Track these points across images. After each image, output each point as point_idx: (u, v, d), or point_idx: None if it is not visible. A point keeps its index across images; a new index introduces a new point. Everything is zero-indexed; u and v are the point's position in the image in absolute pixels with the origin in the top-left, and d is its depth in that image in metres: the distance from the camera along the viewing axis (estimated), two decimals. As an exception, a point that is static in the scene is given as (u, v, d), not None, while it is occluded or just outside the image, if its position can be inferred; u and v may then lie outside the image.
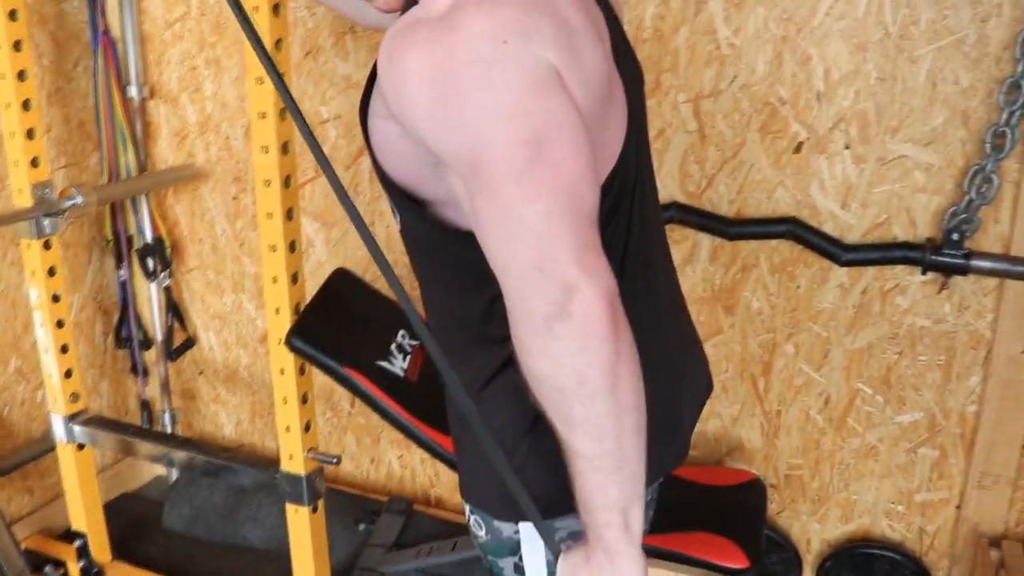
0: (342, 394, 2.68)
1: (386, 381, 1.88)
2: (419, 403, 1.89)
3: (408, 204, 1.16)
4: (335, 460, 1.98)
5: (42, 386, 2.54)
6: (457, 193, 1.03)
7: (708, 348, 2.16)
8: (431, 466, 2.65)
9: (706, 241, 2.17)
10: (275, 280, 1.87)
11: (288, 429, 1.95)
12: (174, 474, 2.74)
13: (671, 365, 1.30)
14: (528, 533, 1.26)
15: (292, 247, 1.86)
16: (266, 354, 2.75)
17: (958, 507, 2.12)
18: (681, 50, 2.07)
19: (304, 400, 1.95)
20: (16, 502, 2.51)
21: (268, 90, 1.76)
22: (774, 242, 2.11)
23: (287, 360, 1.90)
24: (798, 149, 2.04)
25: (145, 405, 2.80)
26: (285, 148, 1.81)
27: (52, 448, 2.41)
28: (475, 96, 0.94)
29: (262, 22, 1.74)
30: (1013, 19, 1.80)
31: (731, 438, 2.30)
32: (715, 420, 2.29)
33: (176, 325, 2.76)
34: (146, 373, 2.79)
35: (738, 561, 1.86)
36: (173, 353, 2.74)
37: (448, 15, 0.97)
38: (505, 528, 1.28)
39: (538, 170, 0.93)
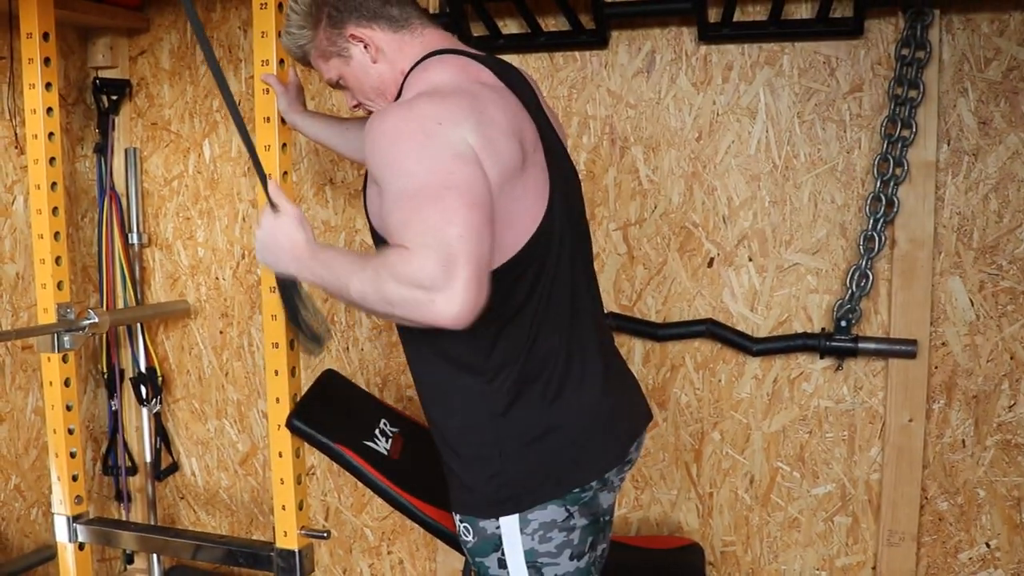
0: (316, 508, 2.90)
1: (371, 456, 2.15)
2: (400, 475, 2.16)
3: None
4: (325, 535, 2.22)
5: (37, 504, 2.74)
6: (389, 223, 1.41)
7: (647, 440, 2.51)
8: (400, 573, 2.86)
9: (639, 346, 2.55)
10: (276, 373, 2.17)
11: (284, 508, 2.20)
12: (156, 591, 2.89)
13: (602, 384, 1.65)
14: (507, 527, 1.58)
15: (291, 345, 2.18)
16: (245, 475, 2.98)
17: (873, 568, 2.42)
18: (610, 187, 2.52)
19: (298, 481, 2.21)
20: (5, 618, 2.63)
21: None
22: (697, 343, 2.50)
23: (285, 444, 2.18)
24: (711, 264, 2.47)
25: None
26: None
27: (44, 560, 2.59)
28: (417, 155, 1.38)
29: (272, 158, 2.13)
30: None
31: (671, 522, 2.59)
32: (656, 506, 2.59)
33: (162, 449, 2.99)
34: (129, 499, 2.98)
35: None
36: (160, 474, 2.95)
37: (410, 100, 1.47)
38: (488, 525, 1.60)
39: (457, 207, 1.32)
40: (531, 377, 1.57)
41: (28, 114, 2.37)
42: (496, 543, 1.59)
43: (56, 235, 2.37)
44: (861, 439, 2.40)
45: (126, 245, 2.90)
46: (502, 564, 1.60)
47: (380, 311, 1.37)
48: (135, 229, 2.92)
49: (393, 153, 1.39)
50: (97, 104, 2.88)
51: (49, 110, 2.36)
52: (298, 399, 2.21)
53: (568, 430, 1.59)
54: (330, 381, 2.32)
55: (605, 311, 2.54)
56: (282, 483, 2.20)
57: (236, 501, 3.01)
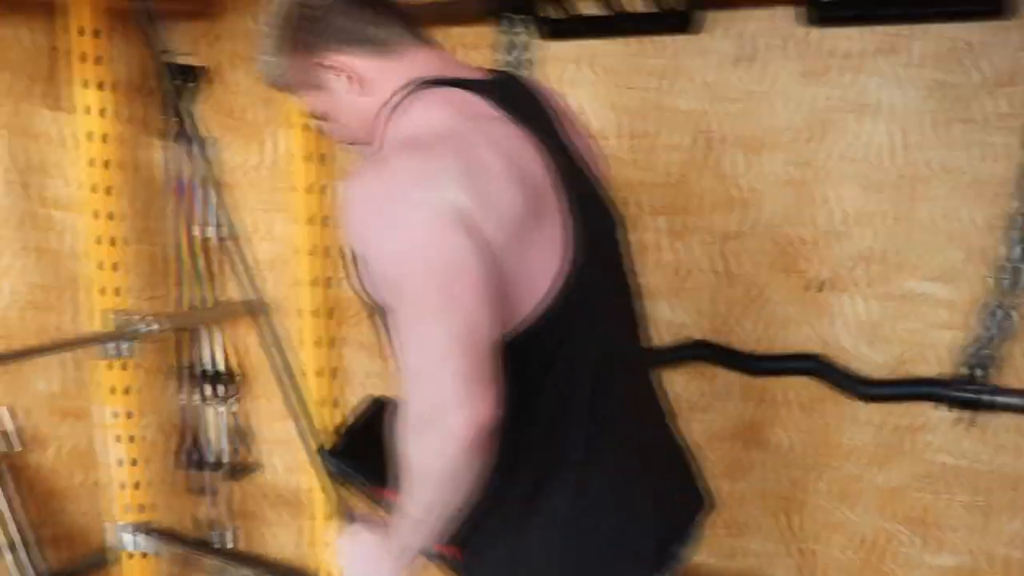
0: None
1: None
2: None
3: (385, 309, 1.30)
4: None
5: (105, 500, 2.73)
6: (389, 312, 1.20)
7: (737, 485, 2.18)
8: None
9: (734, 378, 2.21)
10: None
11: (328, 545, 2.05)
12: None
13: (638, 473, 1.35)
14: None
15: (335, 374, 2.00)
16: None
17: (1006, 661, 2.03)
18: (703, 194, 2.17)
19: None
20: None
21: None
22: (800, 378, 2.14)
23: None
24: (820, 288, 2.09)
25: (207, 524, 2.93)
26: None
27: (110, 561, 2.57)
28: (398, 232, 1.13)
29: (313, 169, 1.93)
30: (1020, 158, 1.85)
31: (766, 577, 2.26)
32: (749, 558, 2.27)
33: (241, 448, 2.92)
34: (211, 492, 2.94)
35: None
36: (237, 474, 2.89)
37: (385, 159, 1.20)
38: None
39: (441, 300, 1.10)
40: (547, 469, 1.30)
41: (81, 113, 2.27)
42: None
43: (112, 241, 2.28)
44: (1000, 506, 1.99)
45: (202, 239, 2.80)
46: None
47: (438, 482, 1.15)
48: (210, 222, 2.81)
49: (368, 229, 1.18)
50: (171, 91, 2.76)
51: (103, 111, 2.26)
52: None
53: (592, 536, 1.31)
54: (372, 410, 2.13)
55: (694, 338, 2.22)
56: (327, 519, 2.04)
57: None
